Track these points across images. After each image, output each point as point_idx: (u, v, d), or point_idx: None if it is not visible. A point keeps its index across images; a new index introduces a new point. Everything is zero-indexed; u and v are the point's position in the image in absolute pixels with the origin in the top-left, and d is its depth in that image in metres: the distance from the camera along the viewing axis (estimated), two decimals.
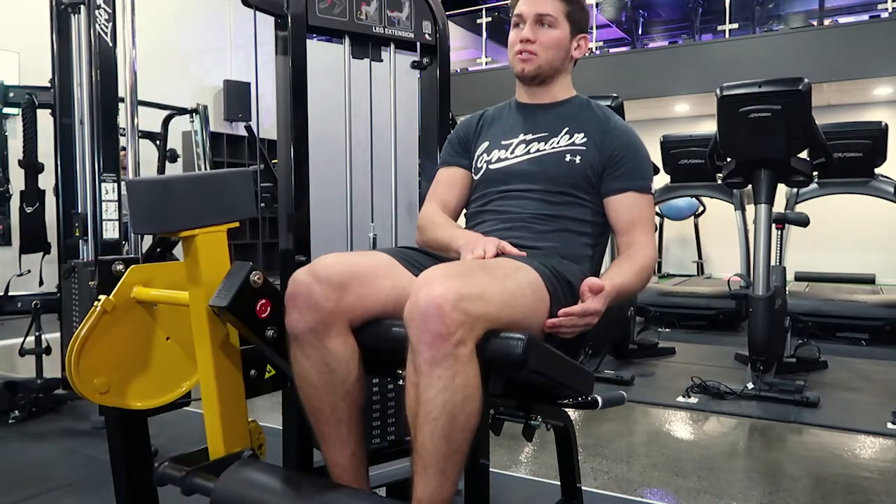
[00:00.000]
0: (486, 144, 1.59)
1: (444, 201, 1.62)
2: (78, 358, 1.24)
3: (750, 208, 3.98)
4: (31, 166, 3.56)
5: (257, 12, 1.72)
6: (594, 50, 9.50)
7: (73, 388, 1.24)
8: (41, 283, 3.47)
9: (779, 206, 3.84)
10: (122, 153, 2.78)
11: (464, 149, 1.65)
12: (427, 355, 1.05)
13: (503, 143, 1.57)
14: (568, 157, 1.49)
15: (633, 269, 1.41)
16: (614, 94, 3.71)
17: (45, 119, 3.33)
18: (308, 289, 1.20)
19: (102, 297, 1.27)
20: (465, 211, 1.65)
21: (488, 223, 1.52)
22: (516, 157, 1.53)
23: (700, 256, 8.56)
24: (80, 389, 1.24)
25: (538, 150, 1.52)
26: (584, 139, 1.50)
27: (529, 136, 1.55)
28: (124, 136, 2.75)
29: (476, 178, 1.59)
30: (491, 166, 1.56)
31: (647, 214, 1.51)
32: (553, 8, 1.50)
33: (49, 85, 3.15)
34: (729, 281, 4.52)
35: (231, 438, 1.24)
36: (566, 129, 1.52)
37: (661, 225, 8.10)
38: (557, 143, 1.51)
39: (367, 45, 1.90)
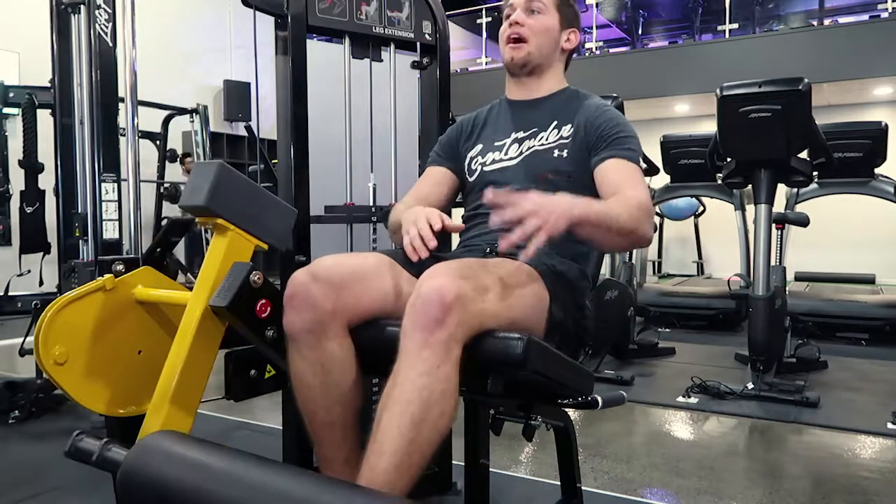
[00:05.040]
0: (479, 147, 1.60)
1: (421, 196, 1.60)
2: (54, 317, 1.20)
3: (750, 208, 3.97)
4: (31, 166, 3.56)
5: (257, 12, 1.72)
6: (594, 50, 9.50)
7: (35, 346, 1.19)
8: (41, 283, 3.47)
9: (779, 206, 3.83)
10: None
11: (449, 154, 1.66)
12: (419, 338, 1.02)
13: (496, 144, 1.57)
14: (556, 153, 1.49)
15: (609, 202, 1.30)
16: (614, 94, 3.70)
17: (45, 119, 3.33)
18: (306, 289, 1.20)
19: (107, 275, 1.27)
20: (462, 214, 1.65)
21: (485, 224, 1.52)
22: (510, 157, 1.54)
23: (700, 256, 8.56)
24: (39, 350, 1.19)
25: (529, 148, 1.52)
26: (571, 130, 1.50)
27: (521, 134, 1.55)
28: (124, 136, 2.75)
29: (471, 180, 1.59)
30: (486, 168, 1.56)
31: (636, 176, 1.41)
32: None
33: (49, 85, 3.15)
34: (729, 281, 4.52)
35: (171, 424, 1.15)
36: (555, 122, 1.53)
37: (661, 225, 8.09)
38: (546, 138, 1.51)
39: (367, 45, 1.90)
